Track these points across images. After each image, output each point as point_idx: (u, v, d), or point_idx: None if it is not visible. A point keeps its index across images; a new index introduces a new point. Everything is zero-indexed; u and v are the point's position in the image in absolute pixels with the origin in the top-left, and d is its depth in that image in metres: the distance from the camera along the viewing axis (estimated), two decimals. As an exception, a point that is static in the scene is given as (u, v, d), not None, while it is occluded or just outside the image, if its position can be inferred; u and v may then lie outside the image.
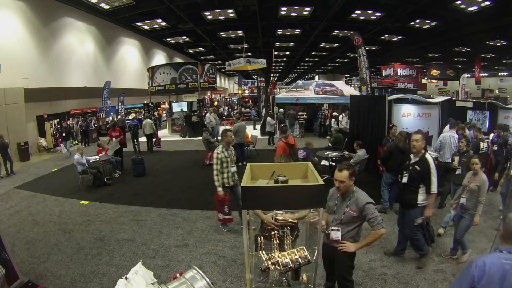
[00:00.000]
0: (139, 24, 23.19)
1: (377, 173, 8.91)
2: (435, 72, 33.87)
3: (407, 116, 10.84)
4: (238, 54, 21.43)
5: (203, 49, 33.09)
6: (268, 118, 17.13)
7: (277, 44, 30.51)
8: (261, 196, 2.90)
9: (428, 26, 21.63)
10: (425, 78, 36.77)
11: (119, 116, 22.53)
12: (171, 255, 5.77)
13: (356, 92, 21.31)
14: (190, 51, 34.53)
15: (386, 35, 25.69)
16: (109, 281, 4.93)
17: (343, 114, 16.79)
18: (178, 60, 35.58)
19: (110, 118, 23.34)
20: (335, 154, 10.15)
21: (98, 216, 7.72)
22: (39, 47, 16.48)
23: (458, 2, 16.59)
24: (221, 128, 15.53)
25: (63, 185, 10.51)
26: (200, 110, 22.32)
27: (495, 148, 9.29)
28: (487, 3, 16.26)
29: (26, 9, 15.48)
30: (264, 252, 3.09)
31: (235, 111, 27.09)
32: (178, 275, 3.22)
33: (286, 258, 3.00)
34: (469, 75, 34.42)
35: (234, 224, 6.69)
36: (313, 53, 35.74)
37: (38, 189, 10.11)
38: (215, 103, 29.54)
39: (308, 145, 9.67)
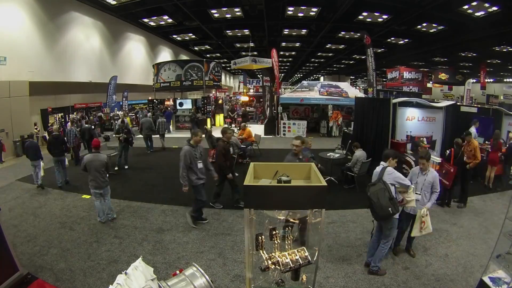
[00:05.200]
0: (145, 20, 23.22)
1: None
2: (443, 76, 33.75)
3: (411, 120, 10.80)
4: (244, 53, 21.39)
5: (209, 47, 33.10)
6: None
7: (283, 44, 30.48)
8: (263, 196, 2.89)
9: (435, 30, 21.54)
10: (430, 83, 36.66)
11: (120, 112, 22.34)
12: (171, 251, 5.77)
13: (361, 94, 21.28)
14: (196, 48, 34.57)
15: (392, 38, 25.61)
16: (109, 276, 4.94)
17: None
18: (183, 57, 35.64)
19: (118, 113, 23.36)
20: (337, 155, 10.13)
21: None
22: (45, 41, 16.53)
23: (465, 7, 16.51)
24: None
25: (65, 179, 10.52)
26: (205, 107, 22.27)
27: None
28: (494, 8, 16.18)
29: (33, 2, 15.52)
30: (264, 252, 3.08)
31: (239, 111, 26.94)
32: (178, 272, 3.23)
33: (287, 258, 2.99)
34: (474, 81, 34.27)
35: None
36: (319, 54, 35.68)
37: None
38: (220, 101, 29.46)
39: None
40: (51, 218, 7.30)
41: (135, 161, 12.85)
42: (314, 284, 3.36)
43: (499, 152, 9.61)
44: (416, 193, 5.37)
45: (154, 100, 23.11)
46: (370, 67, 20.39)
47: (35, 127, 16.44)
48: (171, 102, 24.06)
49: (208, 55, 37.86)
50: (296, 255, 3.01)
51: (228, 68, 52.37)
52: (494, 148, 9.63)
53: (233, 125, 23.39)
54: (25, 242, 6.12)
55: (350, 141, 12.07)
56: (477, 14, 17.14)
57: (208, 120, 21.81)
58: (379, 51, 30.31)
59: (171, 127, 22.07)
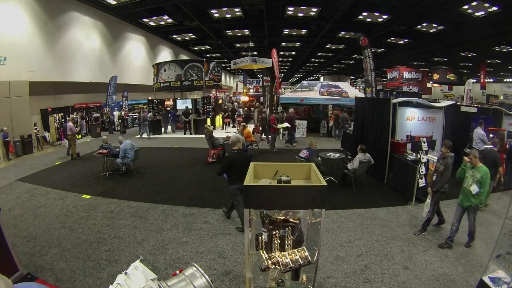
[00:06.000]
0: (145, 20, 23.18)
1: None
2: (435, 76, 33.95)
3: (411, 120, 10.80)
4: (244, 53, 21.40)
5: (209, 47, 33.05)
6: None
7: (283, 44, 30.45)
8: (263, 196, 2.89)
9: (435, 30, 21.51)
10: (430, 82, 36.68)
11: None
12: (171, 251, 5.78)
13: (361, 94, 21.28)
14: (196, 48, 34.52)
15: (392, 38, 25.57)
16: (109, 276, 4.94)
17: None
18: (183, 57, 35.59)
19: (116, 113, 23.37)
20: (337, 155, 10.13)
21: (99, 211, 7.72)
22: (45, 40, 16.51)
23: (465, 7, 16.47)
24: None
25: (65, 179, 10.53)
26: (205, 107, 22.28)
27: None
28: (494, 8, 16.15)
29: (33, 2, 15.51)
30: (264, 252, 3.08)
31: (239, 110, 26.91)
32: (178, 272, 3.22)
33: (287, 258, 2.99)
34: (474, 80, 34.29)
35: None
36: (319, 54, 35.63)
37: (40, 182, 10.14)
38: (220, 101, 29.46)
39: (311, 146, 9.64)
40: (51, 218, 7.30)
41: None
42: (314, 284, 3.37)
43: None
44: None
45: (154, 100, 23.12)
46: (368, 68, 20.38)
47: (35, 127, 16.46)
48: (171, 102, 24.09)
49: (208, 55, 37.80)
50: (296, 255, 3.02)
51: (228, 68, 52.28)
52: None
53: (231, 125, 23.41)
54: (25, 242, 6.12)
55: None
56: (477, 14, 17.10)
57: (208, 120, 21.81)
58: (379, 51, 30.31)
59: (169, 127, 22.18)
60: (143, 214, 7.48)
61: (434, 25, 20.60)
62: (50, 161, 13.43)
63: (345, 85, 22.47)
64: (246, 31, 24.95)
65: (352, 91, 21.61)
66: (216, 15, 20.80)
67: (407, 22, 20.07)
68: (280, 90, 24.42)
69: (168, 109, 23.27)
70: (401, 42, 26.70)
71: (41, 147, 16.25)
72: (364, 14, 19.61)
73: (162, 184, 10.00)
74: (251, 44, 21.61)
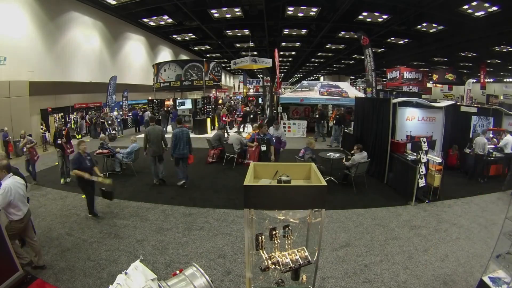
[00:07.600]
0: (145, 20, 23.19)
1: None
2: (434, 76, 34.03)
3: (411, 120, 10.80)
4: (244, 53, 21.41)
5: (209, 47, 33.06)
6: None
7: (283, 44, 30.44)
8: (263, 196, 2.89)
9: (435, 30, 21.50)
10: (431, 82, 36.67)
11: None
12: (171, 251, 5.77)
13: (361, 94, 21.25)
14: (196, 48, 34.53)
15: (392, 38, 25.58)
16: (109, 276, 4.94)
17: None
18: (183, 57, 35.62)
19: (115, 113, 23.37)
20: (337, 155, 10.12)
21: (99, 211, 7.69)
22: (45, 40, 16.52)
23: (465, 7, 16.48)
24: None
25: (65, 179, 10.51)
26: (205, 107, 22.28)
27: None
28: (494, 8, 16.15)
29: (33, 2, 15.52)
30: (264, 252, 3.08)
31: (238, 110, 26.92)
32: (178, 272, 3.22)
33: (287, 258, 2.99)
34: (474, 80, 34.26)
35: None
36: (319, 54, 35.63)
37: (40, 182, 10.11)
38: (220, 101, 29.44)
39: (309, 145, 9.63)
40: (51, 218, 7.29)
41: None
42: (314, 284, 3.37)
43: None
44: None
45: (154, 100, 23.12)
46: (368, 68, 20.37)
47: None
48: (171, 102, 24.09)
49: (208, 55, 37.81)
50: (296, 255, 3.02)
51: (228, 68, 52.33)
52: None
53: (235, 126, 23.40)
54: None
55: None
56: (477, 14, 17.10)
57: (208, 120, 21.81)
58: (379, 51, 30.31)
59: (170, 127, 22.16)
60: (143, 214, 7.48)
61: (434, 25, 20.60)
62: (50, 161, 13.40)
63: (345, 85, 22.43)
64: (246, 31, 24.96)
65: (352, 91, 21.57)
66: (216, 15, 20.81)
67: (407, 22, 20.08)
68: (280, 90, 24.39)
69: (169, 109, 23.28)
70: (401, 42, 26.71)
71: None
72: (364, 14, 19.62)
73: (162, 184, 9.99)
74: (251, 44, 21.60)
